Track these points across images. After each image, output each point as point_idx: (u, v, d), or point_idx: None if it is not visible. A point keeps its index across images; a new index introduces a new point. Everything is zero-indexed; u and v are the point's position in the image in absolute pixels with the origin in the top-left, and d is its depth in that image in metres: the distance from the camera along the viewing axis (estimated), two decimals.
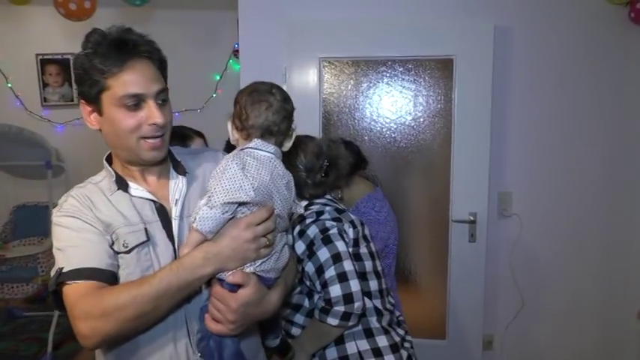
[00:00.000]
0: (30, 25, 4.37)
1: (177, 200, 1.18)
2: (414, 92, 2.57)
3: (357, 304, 1.41)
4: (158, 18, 4.20)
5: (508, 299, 2.75)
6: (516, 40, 2.62)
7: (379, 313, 1.53)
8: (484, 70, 2.46)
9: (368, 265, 1.53)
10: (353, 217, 1.59)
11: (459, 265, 2.55)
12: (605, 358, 2.79)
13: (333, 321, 1.42)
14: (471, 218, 2.52)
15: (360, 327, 1.49)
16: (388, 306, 1.58)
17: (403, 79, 2.56)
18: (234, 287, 1.07)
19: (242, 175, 1.06)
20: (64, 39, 4.34)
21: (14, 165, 3.70)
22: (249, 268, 1.09)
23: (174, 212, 1.17)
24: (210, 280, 1.09)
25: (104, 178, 1.21)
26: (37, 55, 4.41)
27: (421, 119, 2.58)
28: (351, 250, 1.49)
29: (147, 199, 1.17)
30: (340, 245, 1.46)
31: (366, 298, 1.48)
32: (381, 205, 2.03)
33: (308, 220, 1.50)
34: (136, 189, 1.17)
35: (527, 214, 2.69)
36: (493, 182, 2.58)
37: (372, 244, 1.60)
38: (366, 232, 1.61)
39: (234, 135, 1.20)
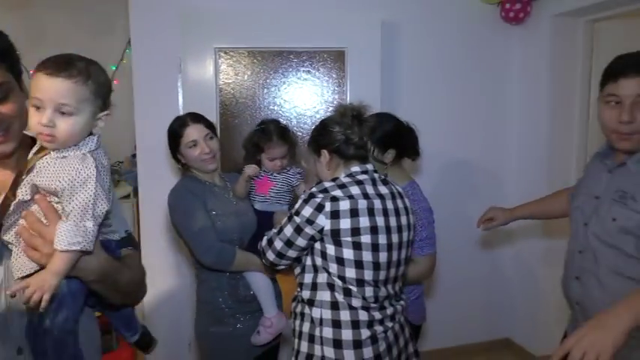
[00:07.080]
0: None
1: None
2: (310, 83, 2.65)
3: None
4: (41, 2, 3.93)
5: None
6: (403, 35, 2.80)
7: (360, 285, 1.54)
8: (373, 62, 2.60)
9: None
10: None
11: None
12: None
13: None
14: None
15: (329, 299, 1.55)
16: (382, 290, 1.58)
17: (298, 70, 2.63)
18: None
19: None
20: None
21: None
22: None
23: None
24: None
25: None
26: None
27: (317, 109, 2.67)
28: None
29: None
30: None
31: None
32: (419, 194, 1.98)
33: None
34: None
35: None
36: None
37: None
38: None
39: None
